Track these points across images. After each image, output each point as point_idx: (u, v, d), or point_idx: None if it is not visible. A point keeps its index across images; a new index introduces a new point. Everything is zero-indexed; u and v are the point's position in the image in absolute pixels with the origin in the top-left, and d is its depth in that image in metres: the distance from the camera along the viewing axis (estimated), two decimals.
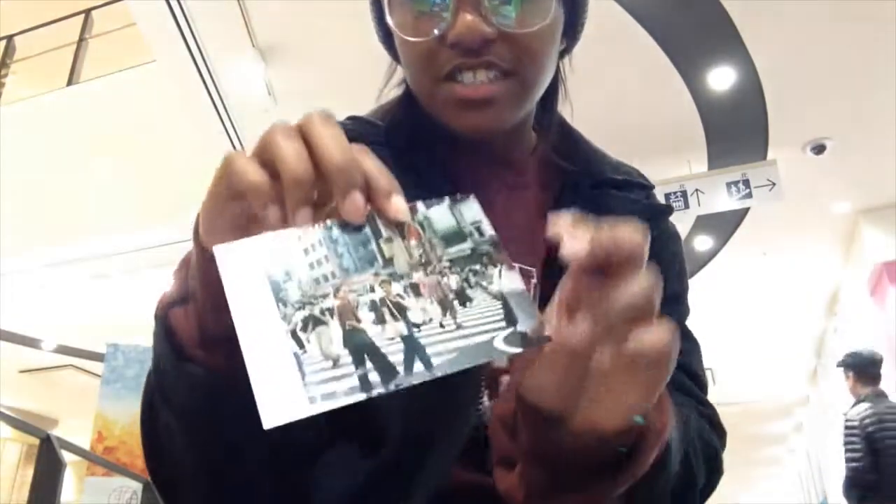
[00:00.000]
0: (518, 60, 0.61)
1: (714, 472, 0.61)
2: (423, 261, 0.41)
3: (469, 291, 0.41)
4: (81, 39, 7.02)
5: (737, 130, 4.32)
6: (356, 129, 0.68)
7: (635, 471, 0.40)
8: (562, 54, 0.70)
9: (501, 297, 0.41)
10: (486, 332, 0.39)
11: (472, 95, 0.60)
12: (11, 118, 5.95)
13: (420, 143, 0.68)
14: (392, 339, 0.38)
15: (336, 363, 0.36)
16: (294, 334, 0.36)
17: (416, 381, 0.36)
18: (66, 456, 3.01)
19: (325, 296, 0.38)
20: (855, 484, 3.47)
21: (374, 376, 0.36)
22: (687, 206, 4.89)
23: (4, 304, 6.17)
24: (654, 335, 0.36)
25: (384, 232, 0.41)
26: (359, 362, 0.36)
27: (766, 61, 3.75)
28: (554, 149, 0.74)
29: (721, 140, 4.37)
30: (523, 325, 0.40)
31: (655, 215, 0.74)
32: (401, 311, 0.39)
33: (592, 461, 0.39)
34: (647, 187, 0.78)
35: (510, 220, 0.67)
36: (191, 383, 0.44)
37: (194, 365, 0.44)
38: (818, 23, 3.49)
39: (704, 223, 5.52)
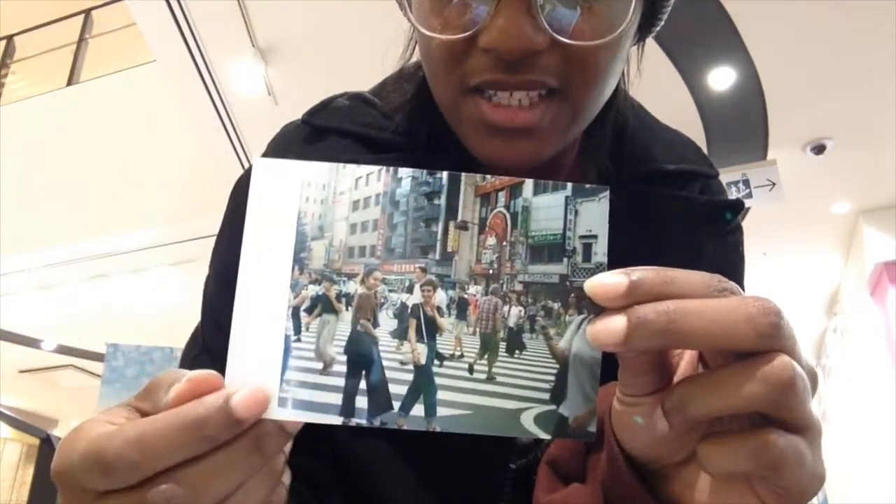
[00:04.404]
0: (570, 79, 0.46)
1: None
2: (490, 271, 0.31)
3: (526, 336, 0.30)
4: (81, 39, 7.03)
5: (737, 130, 4.31)
6: (358, 120, 0.59)
7: None
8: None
9: (563, 360, 0.30)
10: (521, 399, 0.30)
11: (505, 123, 0.46)
12: (11, 118, 5.96)
13: (440, 143, 0.54)
14: (404, 364, 0.30)
15: (327, 367, 0.29)
16: (296, 313, 0.30)
17: (407, 426, 0.29)
18: None
19: (351, 275, 0.30)
20: None
21: (361, 401, 0.29)
22: None
23: (4, 304, 6.16)
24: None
25: (462, 213, 0.31)
26: (352, 377, 0.29)
27: (766, 61, 3.75)
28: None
29: (721, 140, 4.36)
30: (569, 408, 0.30)
31: (714, 216, 0.59)
32: (431, 330, 0.30)
33: None
34: (703, 175, 0.62)
35: None
36: None
37: None
38: (818, 23, 3.49)
39: None
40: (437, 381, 0.29)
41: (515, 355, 0.30)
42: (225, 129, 4.33)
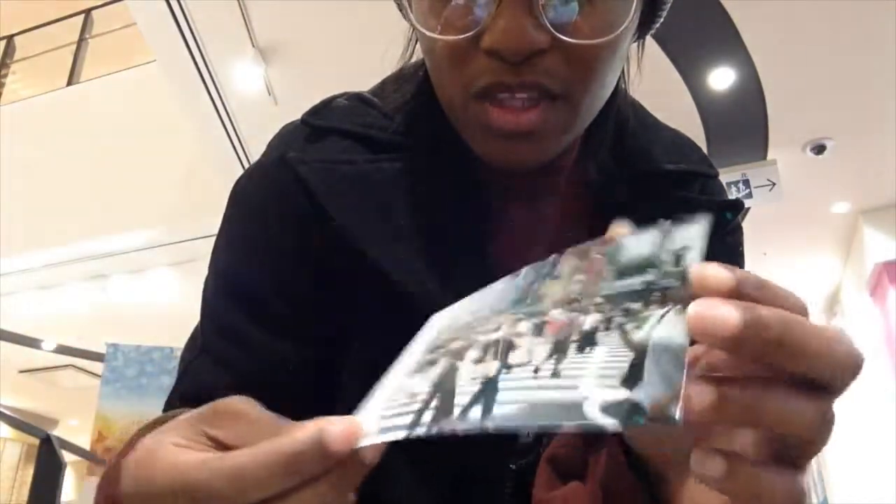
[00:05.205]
0: (572, 80, 0.46)
1: None
2: (573, 297, 0.31)
3: (601, 335, 0.28)
4: (81, 39, 7.04)
5: (737, 130, 4.31)
6: (358, 120, 0.58)
7: None
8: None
9: (639, 348, 0.26)
10: (585, 388, 0.27)
11: (510, 126, 0.46)
12: (11, 118, 5.96)
13: (442, 144, 0.55)
14: (475, 378, 0.29)
15: (413, 398, 0.30)
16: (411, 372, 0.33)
17: (460, 429, 0.27)
18: (66, 456, 3.01)
19: (454, 339, 0.33)
20: None
21: (427, 416, 0.29)
22: None
23: (4, 304, 6.16)
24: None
25: (557, 271, 0.33)
26: (427, 399, 0.30)
27: (766, 61, 3.75)
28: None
29: (721, 140, 4.36)
30: (645, 392, 0.25)
31: (714, 216, 0.59)
32: (506, 350, 0.30)
33: None
34: (703, 175, 0.61)
35: (538, 231, 0.58)
36: None
37: None
38: (818, 23, 3.49)
39: None
40: (500, 385, 0.28)
41: (586, 352, 0.28)
42: (225, 129, 4.33)
